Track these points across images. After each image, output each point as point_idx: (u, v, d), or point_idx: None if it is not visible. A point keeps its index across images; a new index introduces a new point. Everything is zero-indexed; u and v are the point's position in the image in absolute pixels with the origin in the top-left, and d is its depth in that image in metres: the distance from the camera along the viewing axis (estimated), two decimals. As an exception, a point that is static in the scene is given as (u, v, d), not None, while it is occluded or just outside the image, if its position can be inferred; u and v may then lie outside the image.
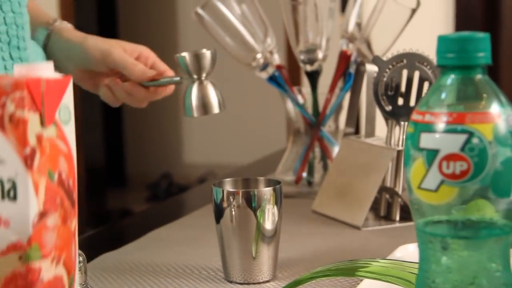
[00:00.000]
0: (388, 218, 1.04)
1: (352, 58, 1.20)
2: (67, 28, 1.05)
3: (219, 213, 0.85)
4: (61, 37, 1.03)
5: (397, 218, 1.03)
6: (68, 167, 0.58)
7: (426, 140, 0.53)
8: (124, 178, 4.28)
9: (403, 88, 1.03)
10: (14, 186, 0.54)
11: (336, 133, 1.24)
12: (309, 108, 1.24)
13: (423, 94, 1.02)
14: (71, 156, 0.58)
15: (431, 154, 0.52)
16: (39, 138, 0.55)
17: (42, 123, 0.55)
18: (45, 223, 0.56)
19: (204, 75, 0.94)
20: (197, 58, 0.93)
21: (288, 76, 1.23)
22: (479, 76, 0.53)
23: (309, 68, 1.21)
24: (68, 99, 0.57)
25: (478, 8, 2.10)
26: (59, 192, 0.57)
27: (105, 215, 3.66)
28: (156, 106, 4.43)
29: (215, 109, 0.93)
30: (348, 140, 1.10)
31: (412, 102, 1.03)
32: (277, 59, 1.22)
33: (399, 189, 1.03)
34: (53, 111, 0.56)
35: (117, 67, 0.98)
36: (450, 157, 0.52)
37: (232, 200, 0.84)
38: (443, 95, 0.53)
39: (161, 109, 4.35)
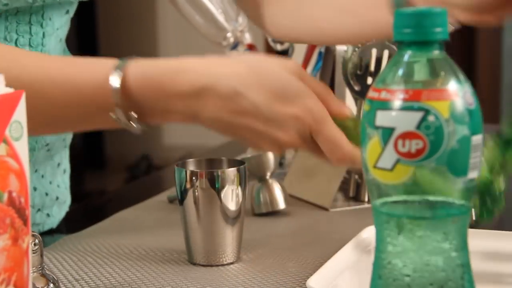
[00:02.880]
0: (357, 199, 1.03)
1: (323, 37, 1.18)
2: None
3: (182, 194, 0.83)
4: None
5: (366, 198, 1.02)
6: (20, 184, 0.56)
7: (382, 118, 0.51)
8: (103, 159, 4.25)
9: (372, 67, 1.02)
10: None
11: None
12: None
13: (392, 74, 1.01)
14: (23, 172, 0.56)
15: (387, 133, 0.51)
16: None
17: None
18: None
19: (268, 174, 1.00)
20: (262, 159, 0.99)
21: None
22: (436, 52, 0.52)
23: (279, 47, 1.20)
24: (20, 113, 0.55)
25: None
26: (9, 212, 0.55)
27: (83, 197, 3.64)
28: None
29: (281, 205, 0.99)
30: (317, 120, 1.08)
31: (381, 82, 1.01)
32: (248, 38, 1.20)
33: (368, 169, 1.02)
34: (2, 129, 0.54)
35: None
36: (405, 135, 0.50)
37: (195, 181, 0.82)
38: (400, 72, 0.52)
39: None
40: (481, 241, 0.76)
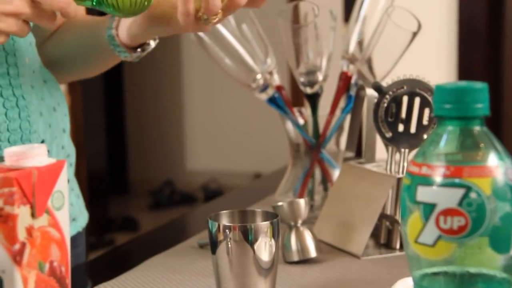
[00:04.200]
0: (389, 246, 1.02)
1: (353, 81, 1.18)
2: None
3: (215, 245, 0.83)
4: None
5: (398, 246, 1.01)
6: (60, 253, 0.57)
7: (423, 194, 0.51)
8: (127, 185, 4.27)
9: (403, 115, 1.02)
10: (0, 283, 0.53)
11: (337, 155, 1.23)
12: (310, 130, 1.22)
13: (423, 121, 1.01)
14: (64, 241, 0.57)
15: (428, 208, 0.51)
16: (30, 231, 0.54)
17: (33, 214, 0.54)
18: None
19: (300, 221, 0.99)
20: (293, 206, 0.98)
21: (288, 97, 1.22)
22: (477, 128, 0.52)
23: (309, 90, 1.20)
24: (62, 183, 0.56)
25: (482, 24, 2.08)
26: (50, 283, 0.56)
27: (107, 222, 3.65)
28: (159, 112, 4.44)
29: (313, 253, 0.98)
30: (348, 165, 1.09)
31: (412, 129, 1.01)
32: (277, 79, 1.21)
33: (399, 217, 1.02)
34: (45, 201, 0.55)
35: None
36: (447, 212, 0.50)
37: (228, 233, 0.82)
38: (440, 147, 0.52)
39: (164, 115, 4.34)
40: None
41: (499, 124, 2.24)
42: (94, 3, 0.87)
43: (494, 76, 2.19)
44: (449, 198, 0.50)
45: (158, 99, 4.35)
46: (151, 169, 4.28)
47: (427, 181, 0.51)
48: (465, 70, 2.12)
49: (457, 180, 0.50)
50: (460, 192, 0.50)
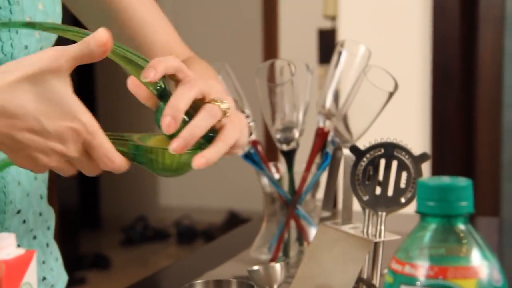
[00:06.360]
0: (366, 311, 1.01)
1: (329, 138, 1.17)
2: None
3: (190, 317, 0.81)
4: None
5: (374, 311, 1.00)
6: None
7: (406, 294, 0.50)
8: (98, 220, 4.21)
9: (380, 177, 1.01)
10: None
11: (313, 212, 1.22)
12: (285, 185, 1.21)
13: (401, 184, 1.00)
14: None
15: (412, 310, 0.50)
16: None
17: None
18: None
19: (275, 286, 0.98)
20: (269, 271, 0.97)
21: (264, 152, 1.21)
22: (461, 226, 0.51)
23: (285, 147, 1.19)
24: (31, 275, 0.54)
25: (455, 72, 2.09)
26: None
27: (78, 259, 3.60)
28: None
29: None
30: (324, 226, 1.07)
31: (390, 192, 1.00)
32: (252, 134, 1.19)
33: (376, 281, 1.00)
34: None
35: None
36: (431, 315, 0.49)
37: (203, 305, 0.81)
38: (424, 245, 0.51)
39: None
40: None
41: (472, 170, 2.25)
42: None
43: (467, 123, 2.21)
44: (433, 300, 0.48)
45: (131, 132, 4.31)
46: (124, 205, 4.23)
47: (410, 280, 0.50)
48: (439, 117, 2.12)
49: (441, 281, 0.49)
50: (444, 294, 0.48)
